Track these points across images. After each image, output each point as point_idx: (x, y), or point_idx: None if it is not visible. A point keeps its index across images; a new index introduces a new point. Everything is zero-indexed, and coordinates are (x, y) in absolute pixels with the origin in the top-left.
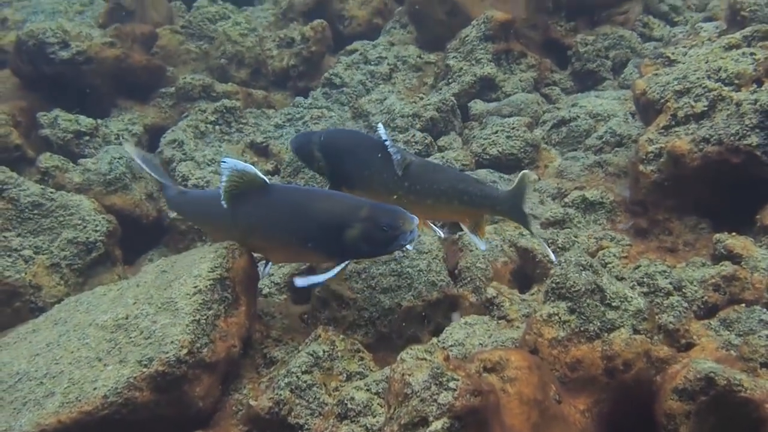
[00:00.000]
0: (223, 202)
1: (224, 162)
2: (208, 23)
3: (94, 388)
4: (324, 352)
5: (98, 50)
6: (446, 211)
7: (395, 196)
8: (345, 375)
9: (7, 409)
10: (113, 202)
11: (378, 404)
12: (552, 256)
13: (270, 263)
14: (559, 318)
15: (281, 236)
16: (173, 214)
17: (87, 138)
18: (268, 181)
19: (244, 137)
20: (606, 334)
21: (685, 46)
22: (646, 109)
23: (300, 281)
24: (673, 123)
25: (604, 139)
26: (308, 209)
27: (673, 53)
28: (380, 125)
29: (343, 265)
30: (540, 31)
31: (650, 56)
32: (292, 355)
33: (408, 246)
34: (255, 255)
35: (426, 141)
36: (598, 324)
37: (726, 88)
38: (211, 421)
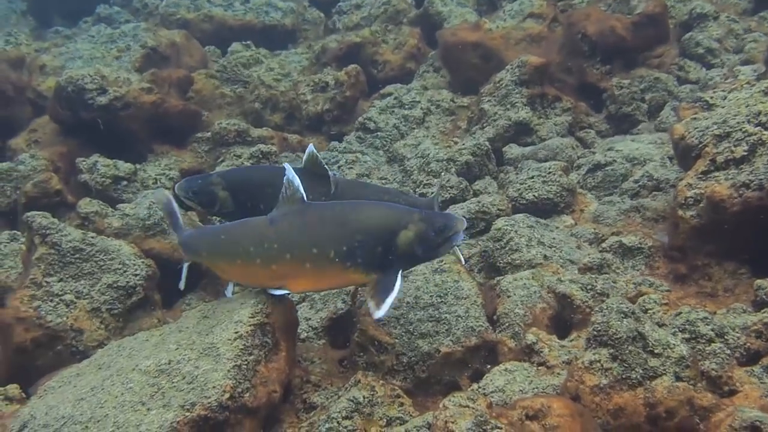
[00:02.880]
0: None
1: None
2: (242, 68)
3: None
4: (364, 397)
5: (136, 95)
6: None
7: None
8: (385, 420)
9: None
10: (152, 247)
11: None
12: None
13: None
14: (601, 365)
15: (321, 251)
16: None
17: (125, 183)
18: (306, 198)
19: None
20: (648, 382)
21: (723, 90)
22: (685, 154)
23: (378, 312)
24: (713, 168)
25: (640, 183)
26: (356, 216)
27: (711, 97)
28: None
29: (399, 277)
30: (575, 74)
31: (688, 100)
32: (332, 400)
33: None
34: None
35: (461, 185)
36: (641, 371)
37: (766, 132)
38: None
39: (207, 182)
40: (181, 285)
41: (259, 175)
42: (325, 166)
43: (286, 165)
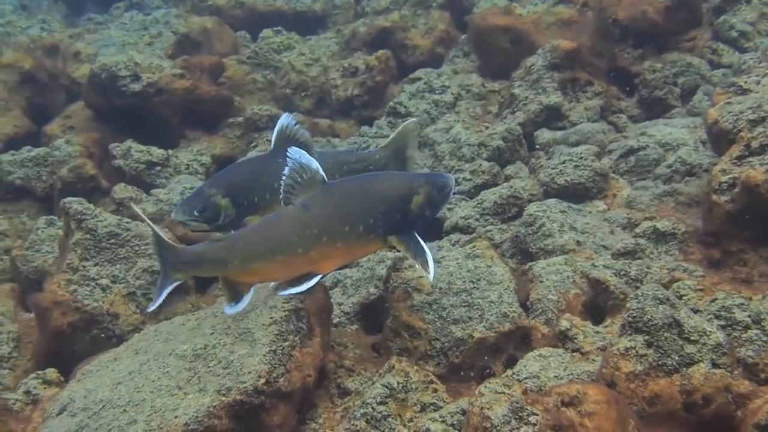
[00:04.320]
0: (282, 198)
1: (290, 152)
2: (273, 54)
3: (176, 416)
4: (398, 383)
5: (168, 81)
6: None
7: None
8: (419, 406)
9: None
10: (185, 232)
11: None
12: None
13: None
14: (637, 352)
15: (352, 228)
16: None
17: (158, 168)
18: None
19: None
20: (685, 369)
21: (757, 75)
22: (719, 139)
23: (431, 275)
24: (747, 153)
25: (673, 168)
26: (376, 189)
27: (745, 82)
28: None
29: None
30: (606, 59)
31: (722, 85)
32: (365, 385)
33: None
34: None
35: (493, 171)
36: (677, 358)
37: None
38: None
39: (205, 196)
40: (155, 305)
41: (249, 169)
42: (300, 134)
43: (293, 149)
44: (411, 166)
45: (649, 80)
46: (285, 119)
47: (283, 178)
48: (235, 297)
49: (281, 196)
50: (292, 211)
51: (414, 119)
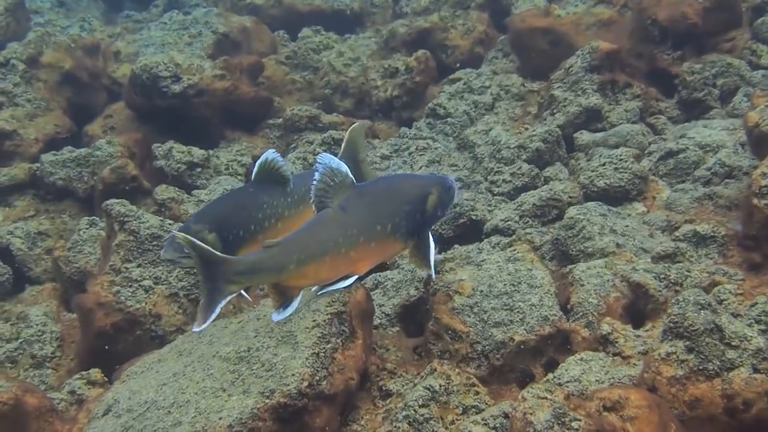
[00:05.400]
0: (314, 202)
1: (321, 158)
2: (312, 53)
3: (220, 418)
4: (440, 386)
5: (209, 83)
6: None
7: (281, 223)
8: (461, 408)
9: None
10: None
11: None
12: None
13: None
14: (678, 357)
15: (383, 228)
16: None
17: (199, 169)
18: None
19: None
20: (725, 373)
21: None
22: (759, 142)
23: (432, 271)
24: None
25: (713, 171)
26: (400, 190)
27: None
28: None
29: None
30: (646, 60)
31: (761, 86)
32: (407, 387)
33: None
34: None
35: (533, 173)
36: (718, 363)
37: None
38: None
39: (192, 233)
40: (208, 322)
41: (232, 203)
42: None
43: (323, 155)
44: (366, 169)
45: (688, 81)
46: (270, 154)
47: (314, 183)
48: (284, 302)
49: (312, 200)
50: (333, 214)
51: (359, 123)
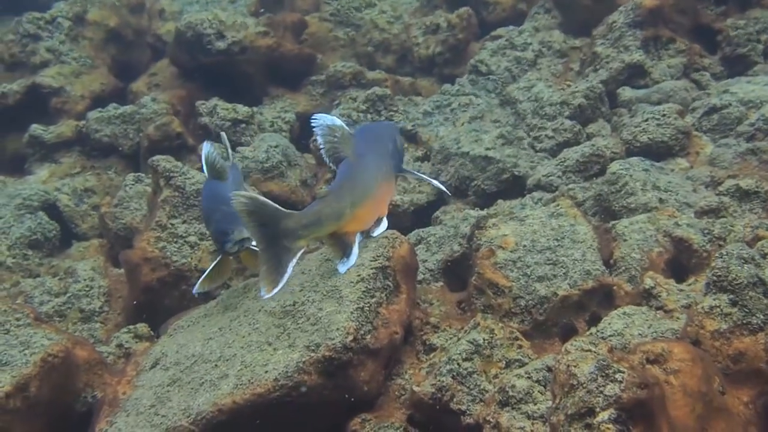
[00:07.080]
0: (329, 161)
1: (315, 119)
2: (354, 11)
3: (266, 371)
4: (484, 339)
5: (252, 40)
6: None
7: None
8: (504, 362)
9: (185, 388)
10: (270, 189)
11: (539, 392)
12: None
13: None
14: (721, 310)
15: (387, 167)
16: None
17: (243, 126)
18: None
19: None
20: None
21: None
22: None
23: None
24: None
25: (756, 126)
26: (382, 134)
27: None
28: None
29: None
30: (689, 16)
31: None
32: (451, 342)
33: None
34: None
35: (575, 129)
36: (762, 317)
37: None
38: (375, 404)
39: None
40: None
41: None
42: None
43: (317, 115)
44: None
45: (732, 37)
46: (206, 147)
47: (320, 145)
48: (344, 251)
49: (328, 161)
50: (354, 160)
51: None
